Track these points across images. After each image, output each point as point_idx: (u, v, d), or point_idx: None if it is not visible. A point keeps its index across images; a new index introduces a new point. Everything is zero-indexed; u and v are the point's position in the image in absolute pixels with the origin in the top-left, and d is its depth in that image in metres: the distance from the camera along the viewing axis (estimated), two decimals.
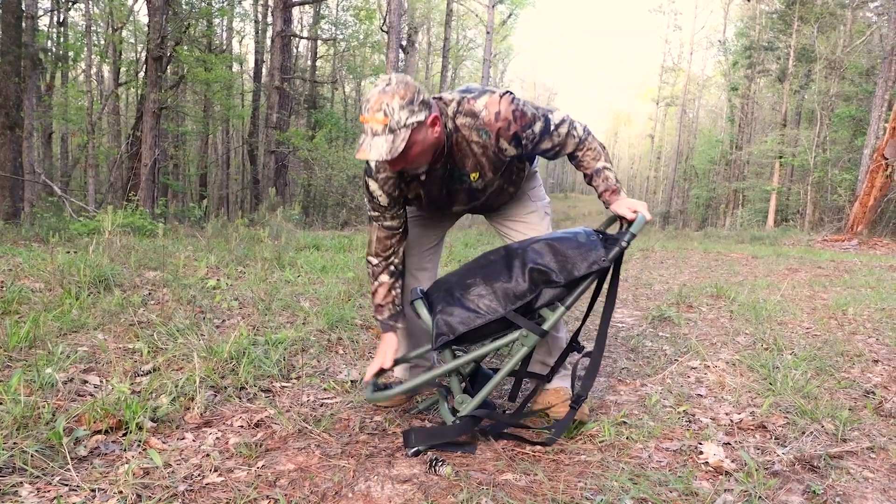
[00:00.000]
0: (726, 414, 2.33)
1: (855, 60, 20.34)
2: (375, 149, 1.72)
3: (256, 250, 5.61)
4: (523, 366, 2.21)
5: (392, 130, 1.72)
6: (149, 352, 2.57)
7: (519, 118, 1.90)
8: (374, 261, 2.13)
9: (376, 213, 2.07)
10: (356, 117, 23.31)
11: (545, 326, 1.88)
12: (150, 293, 3.84)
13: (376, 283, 2.14)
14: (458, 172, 2.01)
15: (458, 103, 1.91)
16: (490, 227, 2.39)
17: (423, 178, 1.96)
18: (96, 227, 6.99)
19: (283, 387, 2.36)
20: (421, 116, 1.75)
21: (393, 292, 2.14)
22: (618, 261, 1.96)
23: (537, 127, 1.96)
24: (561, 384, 2.29)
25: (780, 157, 21.39)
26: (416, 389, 2.07)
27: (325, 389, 2.39)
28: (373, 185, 2.01)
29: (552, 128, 1.99)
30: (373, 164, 2.00)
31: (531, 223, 2.27)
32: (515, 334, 1.91)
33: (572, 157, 2.08)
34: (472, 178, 2.02)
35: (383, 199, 2.02)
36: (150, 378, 2.30)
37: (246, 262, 5.25)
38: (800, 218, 20.25)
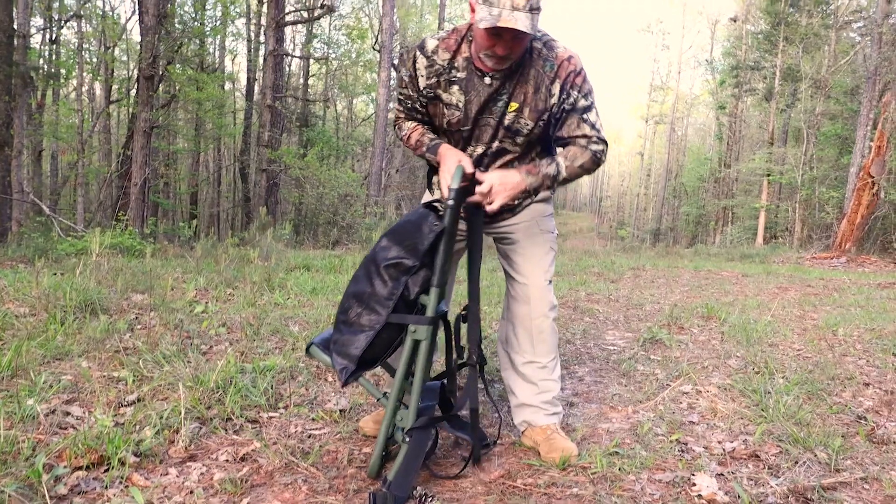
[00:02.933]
0: (719, 442, 2.31)
1: (840, 80, 20.63)
2: (521, 21, 1.72)
3: (246, 271, 5.57)
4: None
5: (532, 9, 1.74)
6: (134, 381, 2.53)
7: (583, 75, 1.98)
8: (401, 117, 2.17)
9: (404, 95, 2.09)
10: (348, 135, 23.36)
11: (428, 312, 1.85)
12: (136, 317, 3.80)
13: (407, 129, 2.14)
14: (502, 95, 1.97)
15: (541, 32, 1.97)
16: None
17: (476, 80, 1.95)
18: (84, 247, 6.94)
19: (271, 417, 2.32)
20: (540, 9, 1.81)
21: (428, 133, 2.13)
22: (472, 221, 2.01)
23: (584, 100, 1.98)
24: (547, 421, 2.23)
25: (768, 175, 21.59)
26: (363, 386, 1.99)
27: (313, 419, 2.35)
28: (421, 61, 1.99)
29: (590, 116, 2.00)
30: (431, 43, 1.99)
31: (534, 257, 2.19)
32: (408, 337, 1.86)
33: (563, 145, 2.06)
34: (509, 107, 1.98)
35: (422, 81, 2.01)
36: (135, 409, 2.26)
37: (235, 283, 5.21)
38: (788, 235, 20.40)
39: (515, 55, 1.86)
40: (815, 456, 2.17)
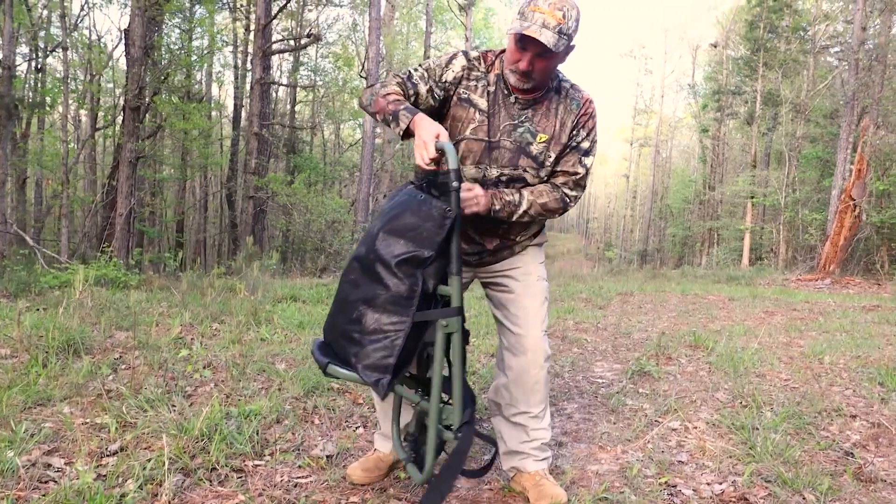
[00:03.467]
0: (708, 484, 2.31)
1: (819, 103, 21.03)
2: (546, 36, 1.80)
3: (232, 304, 5.53)
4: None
5: (561, 33, 1.83)
6: (116, 428, 2.49)
7: (595, 120, 2.09)
8: (393, 82, 1.98)
9: (418, 73, 2.00)
10: (335, 161, 23.42)
11: (454, 302, 1.75)
12: (120, 356, 3.75)
13: (391, 88, 1.94)
14: (524, 122, 2.02)
15: (568, 77, 2.10)
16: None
17: (502, 97, 2.00)
18: (68, 280, 6.86)
19: (256, 465, 2.29)
20: (574, 41, 1.90)
21: (408, 100, 1.96)
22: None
23: (587, 142, 2.08)
24: (536, 467, 2.21)
25: (752, 197, 21.86)
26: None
27: (299, 467, 2.32)
28: (460, 61, 2.03)
29: (586, 161, 2.08)
30: (473, 53, 2.06)
31: (531, 309, 2.15)
32: (439, 332, 1.74)
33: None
34: (539, 138, 2.02)
35: (448, 75, 2.01)
36: (118, 459, 2.22)
37: (221, 317, 5.16)
38: (773, 256, 20.59)
39: (537, 76, 1.93)
40: (804, 499, 2.17)
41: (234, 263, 10.87)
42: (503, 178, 2.04)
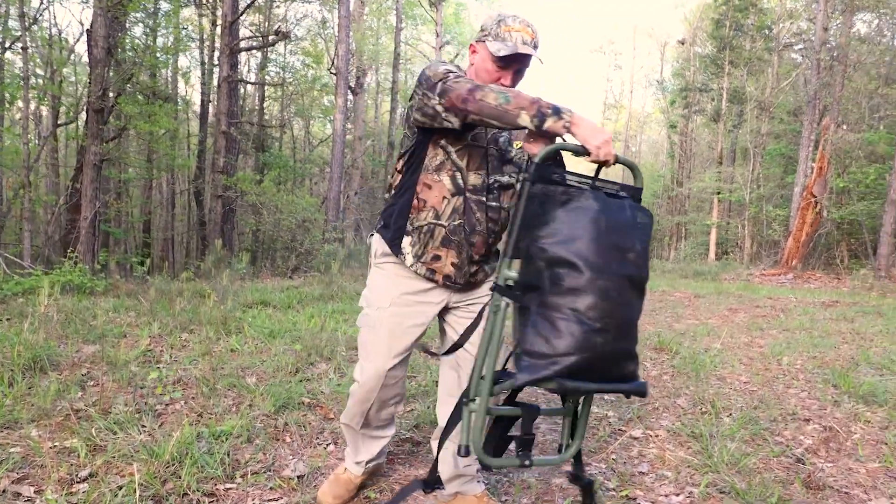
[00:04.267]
0: (665, 496, 2.41)
1: (783, 100, 21.52)
2: (530, 50, 1.93)
3: (202, 312, 5.51)
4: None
5: (535, 47, 1.96)
6: (86, 453, 2.49)
7: None
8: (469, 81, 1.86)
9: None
10: (306, 158, 23.25)
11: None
12: (88, 372, 3.73)
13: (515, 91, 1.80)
14: (507, 133, 2.09)
15: None
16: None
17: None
18: (32, 287, 6.75)
19: (228, 489, 2.32)
20: None
21: None
22: None
23: None
24: (481, 489, 2.27)
25: (718, 193, 22.29)
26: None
27: (271, 489, 2.36)
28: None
29: None
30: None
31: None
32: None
33: None
34: (515, 146, 2.09)
35: None
36: (88, 486, 2.23)
37: (190, 327, 5.14)
38: (739, 251, 21.05)
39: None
40: None
41: (202, 265, 10.75)
42: (496, 186, 2.07)
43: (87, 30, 8.90)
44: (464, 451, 1.72)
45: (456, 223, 2.02)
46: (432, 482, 1.97)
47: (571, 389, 1.58)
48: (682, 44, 28.48)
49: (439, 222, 2.03)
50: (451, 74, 1.86)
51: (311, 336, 4.80)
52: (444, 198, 2.01)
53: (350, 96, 19.74)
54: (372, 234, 2.18)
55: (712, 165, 24.67)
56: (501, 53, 1.91)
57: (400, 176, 2.10)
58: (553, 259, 1.58)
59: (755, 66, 21.98)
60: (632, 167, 1.73)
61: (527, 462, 1.75)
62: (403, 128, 2.10)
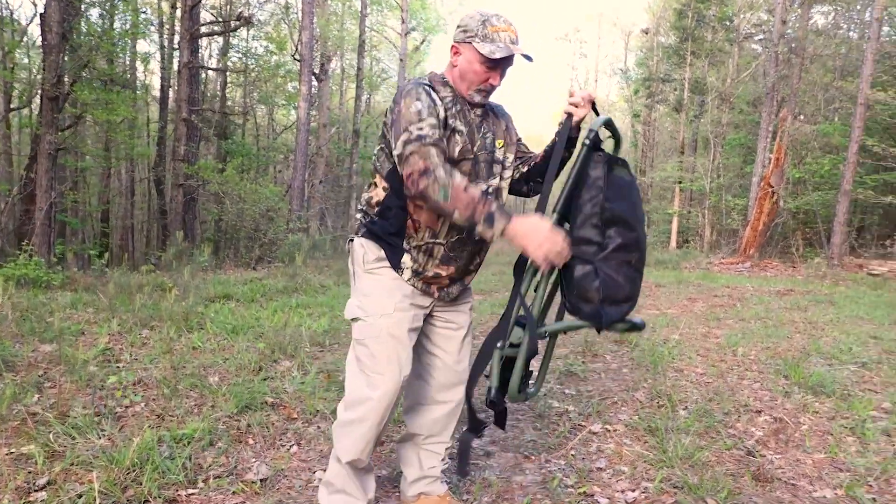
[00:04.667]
0: (622, 492, 2.48)
1: (743, 90, 21.95)
2: (523, 50, 1.94)
3: (163, 308, 5.43)
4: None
5: (519, 44, 1.97)
6: (44, 460, 2.46)
7: None
8: (439, 160, 1.83)
9: (432, 132, 1.84)
10: (269, 146, 22.91)
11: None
12: (45, 373, 3.66)
13: (462, 184, 1.80)
14: (486, 132, 2.06)
15: None
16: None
17: (467, 112, 2.01)
18: None
19: (190, 494, 2.32)
20: None
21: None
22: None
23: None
24: (444, 489, 2.31)
25: (680, 182, 22.70)
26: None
27: (233, 493, 2.36)
28: (434, 97, 1.92)
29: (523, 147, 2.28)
30: (425, 81, 1.98)
31: (468, 340, 2.23)
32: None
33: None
34: (498, 144, 2.09)
35: (441, 112, 1.91)
36: (47, 494, 2.21)
37: (151, 323, 5.07)
38: (699, 239, 21.50)
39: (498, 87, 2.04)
40: None
41: (163, 255, 10.55)
42: (490, 192, 2.06)
43: (41, 14, 8.60)
44: (494, 394, 1.96)
45: (454, 239, 2.00)
46: (477, 427, 2.08)
47: (633, 326, 1.91)
48: (646, 33, 28.80)
49: (438, 241, 1.99)
50: (418, 137, 1.82)
51: (274, 333, 4.78)
52: (440, 217, 1.96)
53: (314, 83, 19.48)
54: (351, 240, 2.10)
55: (674, 155, 25.10)
56: (497, 56, 1.89)
57: (384, 193, 2.01)
58: (611, 217, 1.84)
59: (716, 58, 22.37)
60: (617, 141, 2.08)
61: (532, 391, 2.09)
62: (379, 142, 2.03)
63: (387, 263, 2.02)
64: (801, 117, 18.09)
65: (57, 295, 6.33)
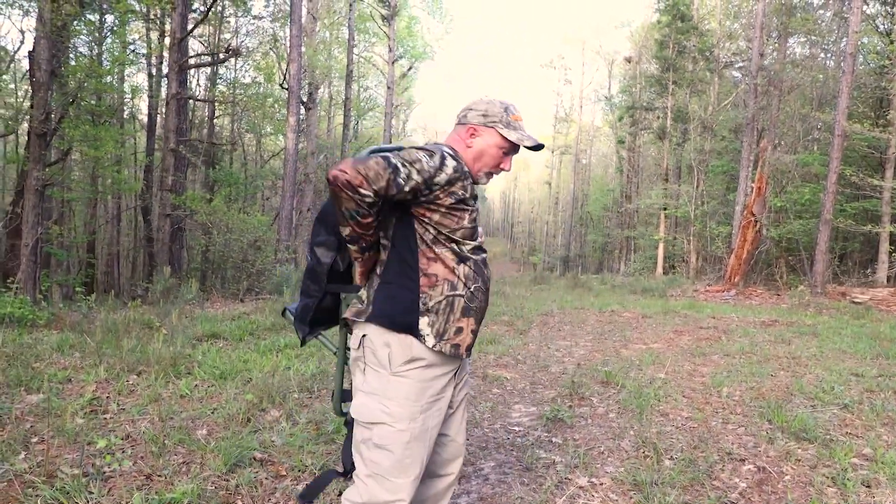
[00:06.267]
0: None
1: (724, 117, 22.37)
2: (539, 140, 2.07)
3: (150, 351, 5.41)
4: None
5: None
6: None
7: None
8: (378, 189, 1.78)
9: (406, 170, 1.79)
10: (257, 175, 22.96)
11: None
12: (31, 426, 3.64)
13: (371, 223, 1.93)
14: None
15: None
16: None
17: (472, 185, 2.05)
18: None
19: None
20: None
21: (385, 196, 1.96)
22: None
23: None
24: None
25: (665, 209, 22.98)
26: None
27: None
28: (451, 162, 1.89)
29: None
30: (453, 153, 1.98)
31: (465, 416, 2.23)
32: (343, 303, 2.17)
33: None
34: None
35: (442, 177, 1.87)
36: None
37: (138, 368, 5.06)
38: (685, 265, 21.71)
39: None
40: None
41: (150, 287, 10.50)
42: (483, 253, 2.07)
43: (30, 52, 8.65)
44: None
45: (472, 288, 1.96)
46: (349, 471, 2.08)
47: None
48: (629, 62, 29.32)
49: (457, 293, 1.92)
50: (391, 164, 1.78)
51: (262, 379, 4.78)
52: (452, 268, 1.92)
53: (302, 111, 19.61)
54: (354, 322, 1.99)
55: (659, 181, 25.42)
56: (527, 144, 2.05)
57: (385, 252, 1.97)
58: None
59: (697, 87, 22.80)
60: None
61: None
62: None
63: (417, 363, 1.90)
64: (782, 144, 18.44)
65: (42, 335, 6.29)
